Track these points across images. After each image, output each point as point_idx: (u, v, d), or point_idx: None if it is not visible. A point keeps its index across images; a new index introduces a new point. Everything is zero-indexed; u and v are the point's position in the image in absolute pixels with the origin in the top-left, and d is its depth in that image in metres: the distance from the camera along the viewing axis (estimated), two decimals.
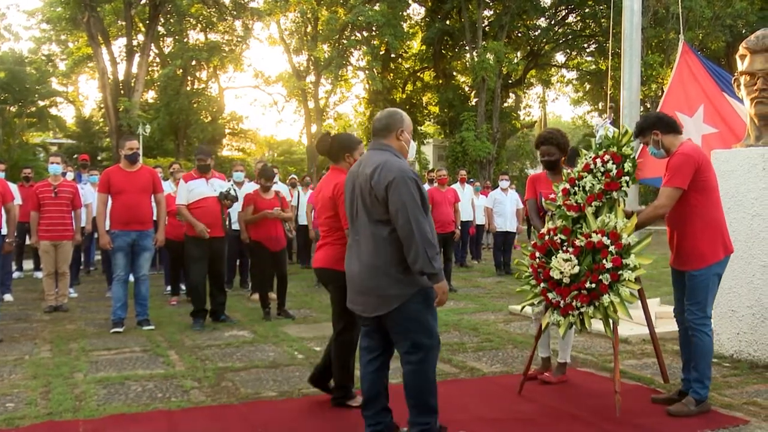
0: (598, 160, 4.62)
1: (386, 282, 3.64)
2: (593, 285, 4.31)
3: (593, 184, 4.59)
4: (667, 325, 6.46)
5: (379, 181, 3.60)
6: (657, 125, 4.58)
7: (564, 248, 4.51)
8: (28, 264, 12.19)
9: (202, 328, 7.22)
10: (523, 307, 4.91)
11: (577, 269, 4.38)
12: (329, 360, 4.68)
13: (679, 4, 11.60)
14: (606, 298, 4.27)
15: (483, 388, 5.14)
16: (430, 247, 3.54)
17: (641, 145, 4.99)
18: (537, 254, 4.65)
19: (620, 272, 4.27)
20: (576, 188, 4.67)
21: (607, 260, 4.29)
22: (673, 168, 4.38)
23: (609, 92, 14.95)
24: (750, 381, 5.22)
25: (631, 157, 4.58)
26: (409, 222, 3.52)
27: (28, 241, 10.45)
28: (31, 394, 4.91)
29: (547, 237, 4.63)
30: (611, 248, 4.30)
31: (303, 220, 11.37)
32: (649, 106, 26.89)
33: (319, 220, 4.71)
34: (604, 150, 4.68)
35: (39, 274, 10.56)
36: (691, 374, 4.46)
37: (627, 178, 4.53)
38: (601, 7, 29.27)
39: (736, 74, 6.07)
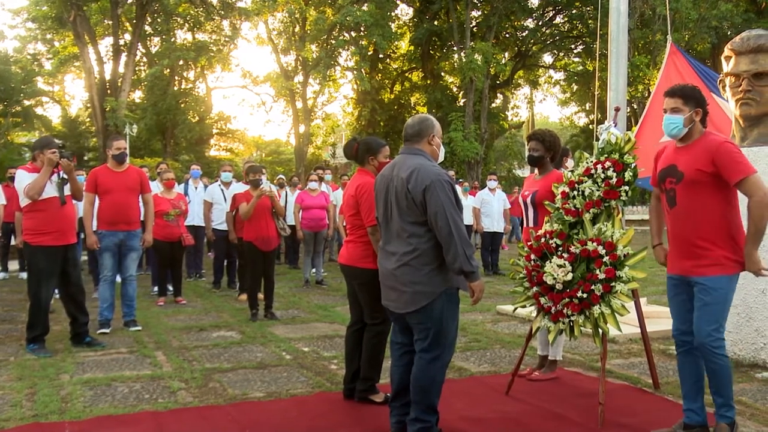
0: (599, 166, 4.57)
1: (419, 279, 3.80)
2: (585, 294, 4.29)
3: (592, 190, 4.53)
4: (654, 324, 6.51)
5: (416, 184, 3.75)
6: (704, 107, 4.01)
7: (559, 253, 4.49)
8: (13, 265, 12.11)
9: (49, 354, 6.07)
10: (516, 309, 4.91)
11: (570, 276, 4.35)
12: (351, 365, 4.83)
13: (666, 5, 11.71)
14: (597, 309, 4.24)
15: (470, 387, 5.15)
16: (468, 246, 3.71)
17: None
18: (532, 256, 4.63)
19: (613, 284, 4.22)
20: (575, 192, 4.63)
21: (600, 270, 4.24)
22: (733, 159, 3.76)
23: (596, 93, 15.06)
24: (735, 380, 5.22)
25: (633, 166, 4.51)
26: (448, 224, 3.67)
27: (13, 242, 10.38)
28: (17, 395, 4.87)
29: (543, 240, 4.61)
30: (605, 258, 4.25)
31: (291, 221, 11.34)
32: (636, 107, 27.07)
33: (345, 218, 5.00)
34: (606, 156, 4.63)
35: (24, 275, 10.50)
36: (715, 401, 3.94)
37: (626, 187, 4.47)
38: (588, 9, 29.47)
39: (721, 75, 6.12)
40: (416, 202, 3.76)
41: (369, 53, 29.62)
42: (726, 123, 6.96)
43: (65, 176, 6.24)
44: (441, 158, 4.12)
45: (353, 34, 28.66)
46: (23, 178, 6.18)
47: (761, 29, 6.09)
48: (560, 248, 4.52)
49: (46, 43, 32.97)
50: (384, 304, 4.08)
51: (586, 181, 4.60)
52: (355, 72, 29.36)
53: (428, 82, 32.07)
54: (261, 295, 8.08)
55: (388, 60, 33.03)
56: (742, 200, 3.84)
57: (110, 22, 27.47)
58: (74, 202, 6.55)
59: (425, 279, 3.78)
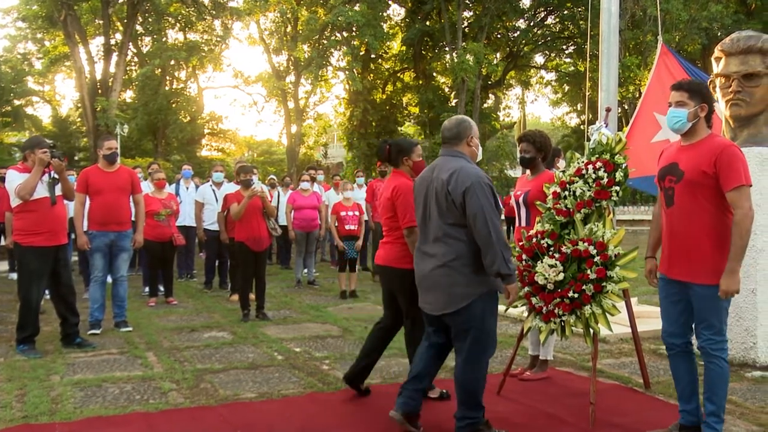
0: (590, 167, 4.57)
1: (458, 280, 3.83)
2: (576, 294, 4.30)
3: (583, 191, 4.53)
4: (645, 324, 6.53)
5: (456, 186, 3.80)
6: (710, 103, 3.90)
7: (550, 253, 4.49)
8: (2, 265, 12.04)
9: (39, 355, 6.03)
10: (507, 309, 4.92)
11: (561, 276, 4.36)
12: (365, 360, 4.90)
13: (657, 6, 11.75)
14: (588, 309, 4.26)
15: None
16: (506, 249, 3.76)
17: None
18: (524, 257, 4.63)
19: (604, 284, 4.24)
20: (566, 192, 4.63)
21: (591, 270, 4.25)
22: (735, 165, 3.70)
23: (587, 94, 15.13)
24: None
25: (624, 166, 4.51)
26: (486, 226, 3.71)
27: (3, 242, 10.31)
28: (6, 397, 4.84)
29: (534, 240, 4.62)
30: (597, 258, 4.27)
31: (283, 221, 11.34)
32: (627, 107, 27.18)
33: (381, 220, 4.98)
34: (596, 156, 4.63)
35: (14, 276, 10.44)
36: (705, 407, 3.85)
37: (617, 188, 4.47)
38: (580, 9, 29.59)
39: (711, 76, 6.14)
40: (456, 204, 3.80)
41: (361, 53, 29.63)
42: (718, 123, 7.00)
43: (56, 176, 6.21)
44: (479, 157, 4.19)
45: (345, 34, 28.66)
46: (14, 178, 6.14)
47: (751, 30, 6.12)
48: (552, 248, 4.52)
49: (37, 43, 32.82)
50: (420, 306, 4.11)
51: (577, 182, 4.60)
52: (347, 72, 29.38)
53: (420, 82, 32.10)
54: (252, 296, 8.06)
55: (380, 60, 33.06)
56: None
57: (101, 22, 27.40)
58: (65, 202, 6.52)
59: (465, 281, 3.82)
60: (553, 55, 35.60)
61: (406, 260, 4.58)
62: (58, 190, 6.27)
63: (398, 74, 34.11)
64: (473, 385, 3.90)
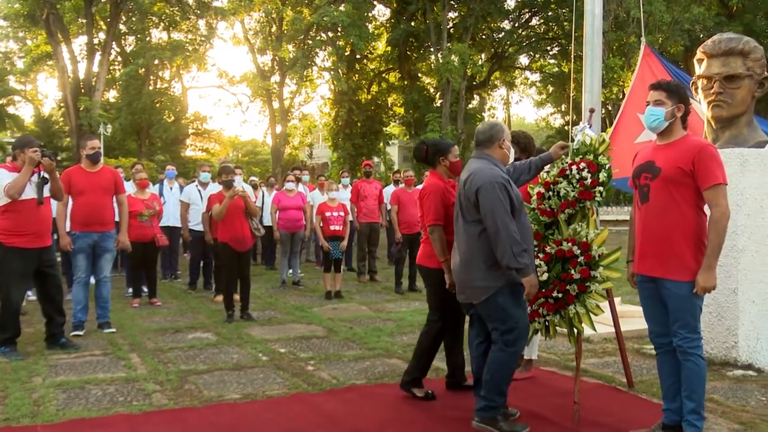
0: (574, 167, 4.57)
1: (476, 275, 4.12)
2: (560, 294, 4.33)
3: (567, 191, 4.53)
4: (628, 323, 6.57)
5: (470, 186, 4.10)
6: (687, 104, 3.97)
7: (534, 254, 4.52)
8: None
9: (21, 357, 5.98)
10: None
11: (545, 276, 4.39)
12: (453, 361, 5.05)
13: (640, 8, 11.80)
14: (572, 309, 4.30)
15: (447, 387, 5.16)
16: (515, 244, 3.95)
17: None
18: None
19: (588, 284, 4.27)
20: (551, 193, 4.65)
21: (575, 270, 4.28)
22: (712, 164, 3.76)
23: (571, 95, 15.18)
24: (707, 378, 5.31)
25: (607, 167, 4.51)
26: (495, 223, 3.96)
27: None
28: None
29: None
30: (580, 259, 4.29)
31: (267, 221, 11.30)
32: (610, 108, 27.36)
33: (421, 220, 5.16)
34: (580, 157, 4.64)
35: None
36: (685, 405, 3.88)
37: (601, 188, 4.47)
38: (564, 11, 29.75)
39: (693, 78, 6.20)
40: (471, 202, 4.09)
41: (346, 54, 29.62)
42: (699, 124, 7.06)
43: (46, 176, 6.17)
44: (511, 158, 4.44)
45: (330, 34, 28.64)
46: (3, 177, 6.08)
47: (732, 32, 6.19)
48: (536, 248, 4.54)
49: (19, 41, 32.54)
50: (459, 300, 4.36)
51: (561, 182, 4.61)
52: (332, 72, 29.36)
53: (405, 82, 32.14)
54: (237, 296, 8.03)
55: (365, 60, 33.06)
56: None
57: (84, 21, 27.20)
58: (52, 202, 6.46)
59: (482, 275, 4.08)
60: (537, 56, 35.82)
61: (431, 259, 4.77)
62: (46, 191, 6.22)
63: (383, 75, 34.14)
64: (498, 371, 4.12)
